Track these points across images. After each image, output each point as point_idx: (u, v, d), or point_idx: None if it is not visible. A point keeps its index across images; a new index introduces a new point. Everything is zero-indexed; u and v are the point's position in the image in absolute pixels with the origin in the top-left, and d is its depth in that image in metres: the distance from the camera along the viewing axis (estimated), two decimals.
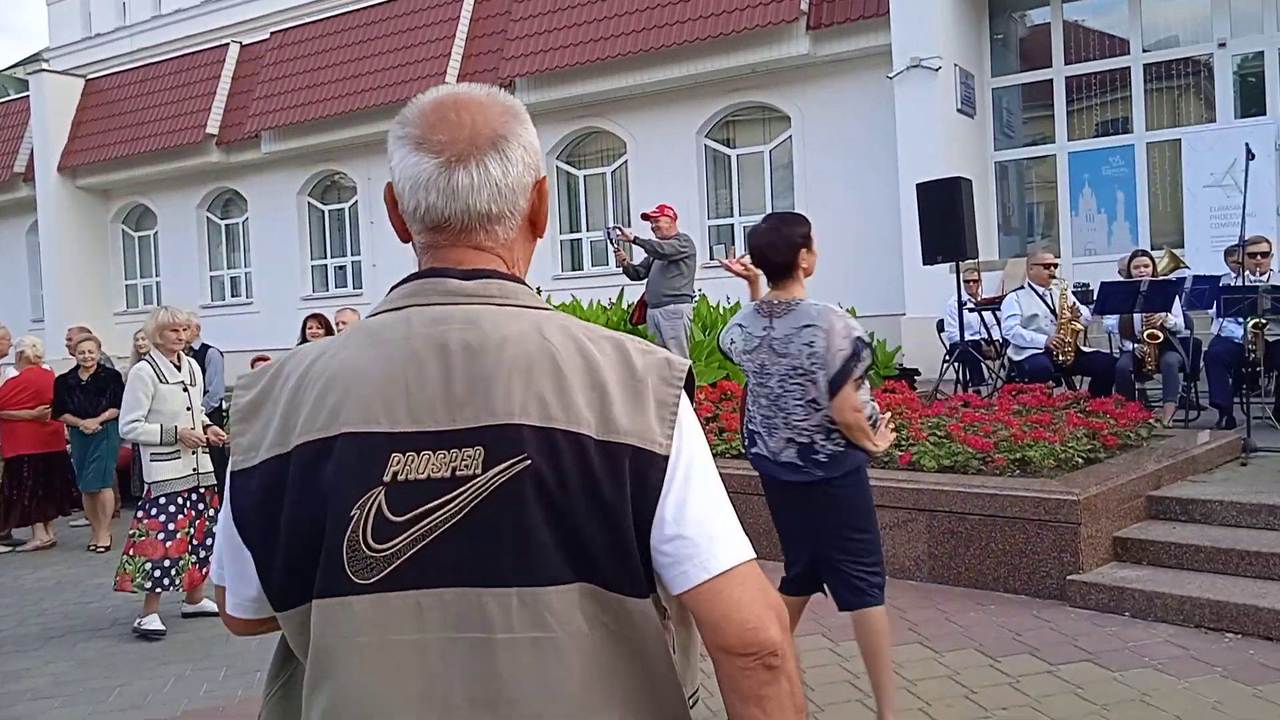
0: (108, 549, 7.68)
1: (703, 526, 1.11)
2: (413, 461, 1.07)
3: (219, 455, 5.59)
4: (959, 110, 11.36)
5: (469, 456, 1.07)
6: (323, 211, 17.21)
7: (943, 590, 5.36)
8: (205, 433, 5.59)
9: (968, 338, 8.45)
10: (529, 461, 1.06)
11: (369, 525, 1.07)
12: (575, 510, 1.07)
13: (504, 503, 1.07)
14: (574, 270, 14.57)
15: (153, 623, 5.45)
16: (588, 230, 14.63)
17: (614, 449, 1.08)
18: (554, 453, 1.07)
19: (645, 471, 1.09)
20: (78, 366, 7.96)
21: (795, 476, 3.49)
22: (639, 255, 8.23)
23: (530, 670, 1.06)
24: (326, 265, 16.90)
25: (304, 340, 7.75)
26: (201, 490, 5.60)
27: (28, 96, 19.68)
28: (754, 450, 3.67)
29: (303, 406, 1.12)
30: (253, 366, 8.20)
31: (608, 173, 14.58)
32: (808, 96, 12.62)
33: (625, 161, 14.19)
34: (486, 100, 1.19)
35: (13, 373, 8.25)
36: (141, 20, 24.81)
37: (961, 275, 8.45)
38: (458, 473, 1.07)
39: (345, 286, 16.66)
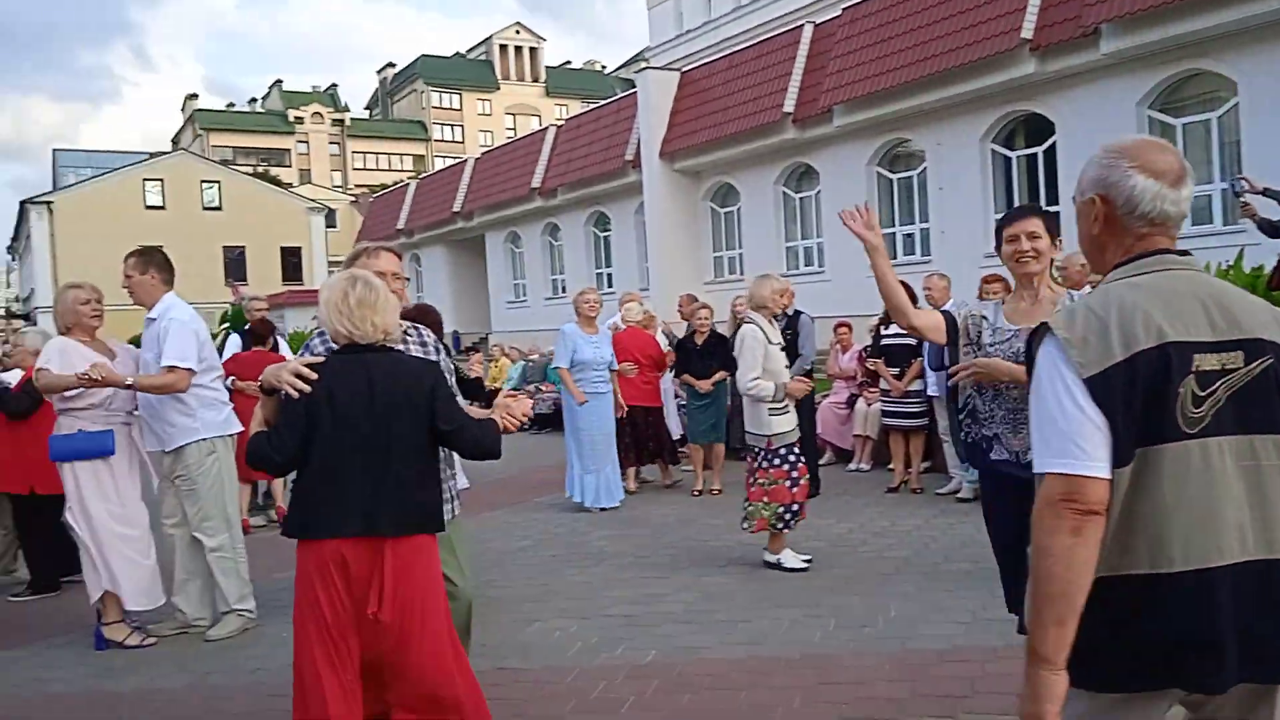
0: (720, 492, 8.68)
1: None
2: (1206, 359, 1.82)
3: None
4: None
5: (1233, 357, 1.83)
6: (891, 180, 17.49)
7: None
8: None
9: None
10: (1271, 360, 1.85)
11: (1188, 397, 1.80)
12: None
13: (1258, 384, 1.84)
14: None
15: (791, 560, 6.14)
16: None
17: None
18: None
19: None
20: (693, 331, 9.02)
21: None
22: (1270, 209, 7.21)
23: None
24: (895, 233, 17.17)
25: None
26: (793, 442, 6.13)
27: (631, 94, 22.50)
28: (991, 458, 3.58)
29: (1134, 329, 1.81)
30: (835, 333, 8.62)
31: (1212, 119, 12.98)
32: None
33: (1235, 105, 12.52)
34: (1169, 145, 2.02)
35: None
36: (725, 13, 26.97)
37: None
38: (1227, 366, 1.83)
39: (914, 254, 16.81)
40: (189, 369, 5.17)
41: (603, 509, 8.43)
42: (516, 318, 27.81)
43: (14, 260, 56.25)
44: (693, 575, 6.23)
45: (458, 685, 3.21)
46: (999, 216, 5.27)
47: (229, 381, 6.67)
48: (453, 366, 3.99)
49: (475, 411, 3.73)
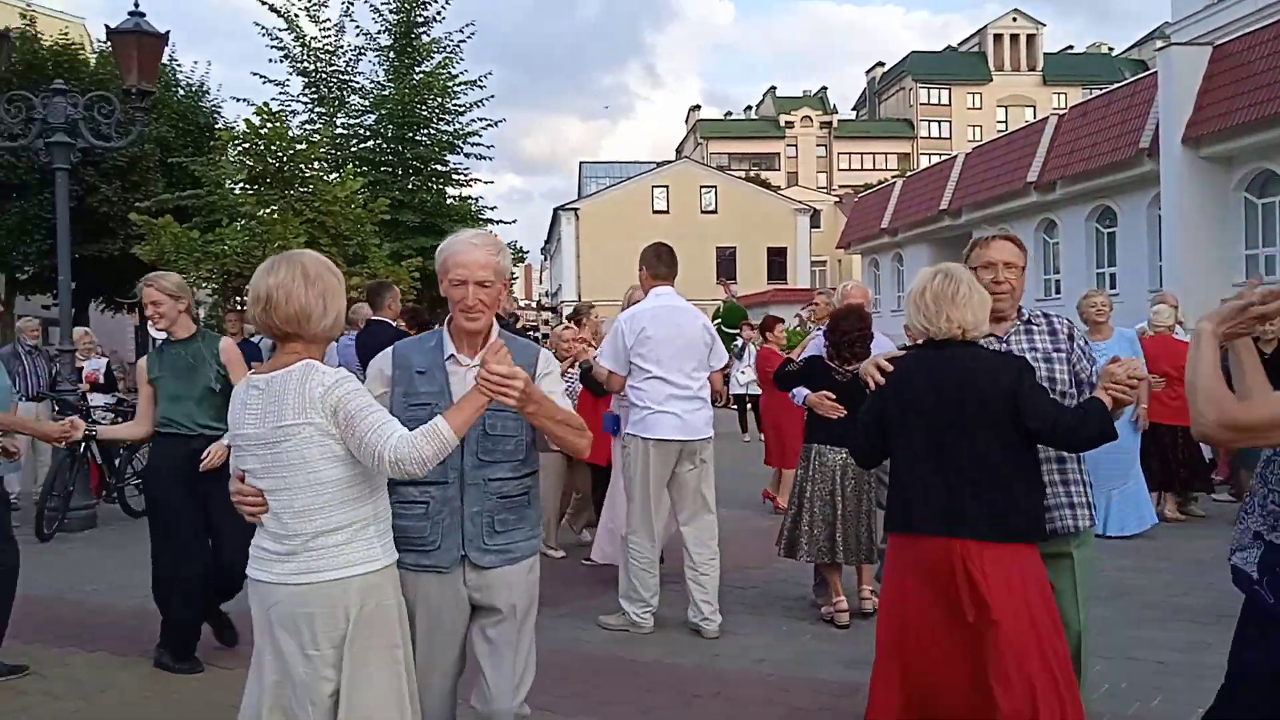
0: None
1: None
2: None
3: None
4: None
5: None
6: None
7: None
8: None
9: None
10: None
11: None
12: None
13: None
14: None
15: None
16: None
17: None
18: None
19: None
20: (1256, 340, 7.84)
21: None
22: None
23: None
24: None
25: None
26: None
27: (1148, 76, 20.29)
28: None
29: None
30: None
31: None
32: None
33: None
34: None
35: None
36: None
37: None
38: None
39: None
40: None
41: (1125, 536, 7.64)
42: None
43: (546, 260, 64.65)
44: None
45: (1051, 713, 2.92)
46: None
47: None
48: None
49: None
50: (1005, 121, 72.34)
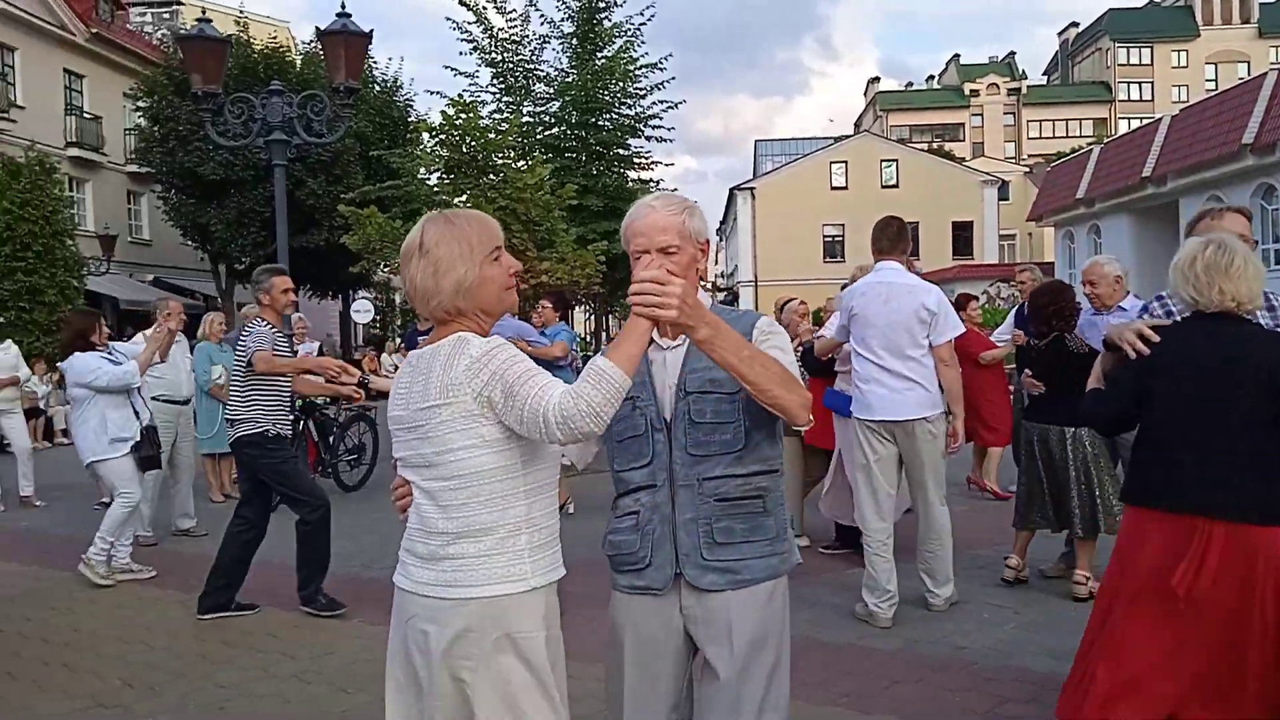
0: None
1: None
2: None
3: None
4: None
5: None
6: None
7: None
8: None
9: None
10: None
11: None
12: None
13: None
14: None
15: None
16: None
17: None
18: None
19: None
20: None
21: None
22: None
23: None
24: None
25: None
26: None
27: None
28: None
29: None
30: None
31: None
32: None
33: None
34: None
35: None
36: None
37: None
38: None
39: None
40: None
41: None
42: None
43: (721, 241, 64.67)
44: None
45: None
46: None
47: None
48: None
49: None
50: (1215, 80, 67.42)
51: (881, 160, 48.05)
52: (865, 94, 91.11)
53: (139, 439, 6.72)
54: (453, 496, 2.17)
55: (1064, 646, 4.63)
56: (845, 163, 47.86)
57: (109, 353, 6.92)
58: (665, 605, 2.40)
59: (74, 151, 29.36)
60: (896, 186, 46.92)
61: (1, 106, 26.60)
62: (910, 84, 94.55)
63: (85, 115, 30.80)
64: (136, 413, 6.81)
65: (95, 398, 6.64)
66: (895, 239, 5.51)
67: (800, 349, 6.89)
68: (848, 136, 55.31)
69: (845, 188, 46.89)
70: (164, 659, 5.10)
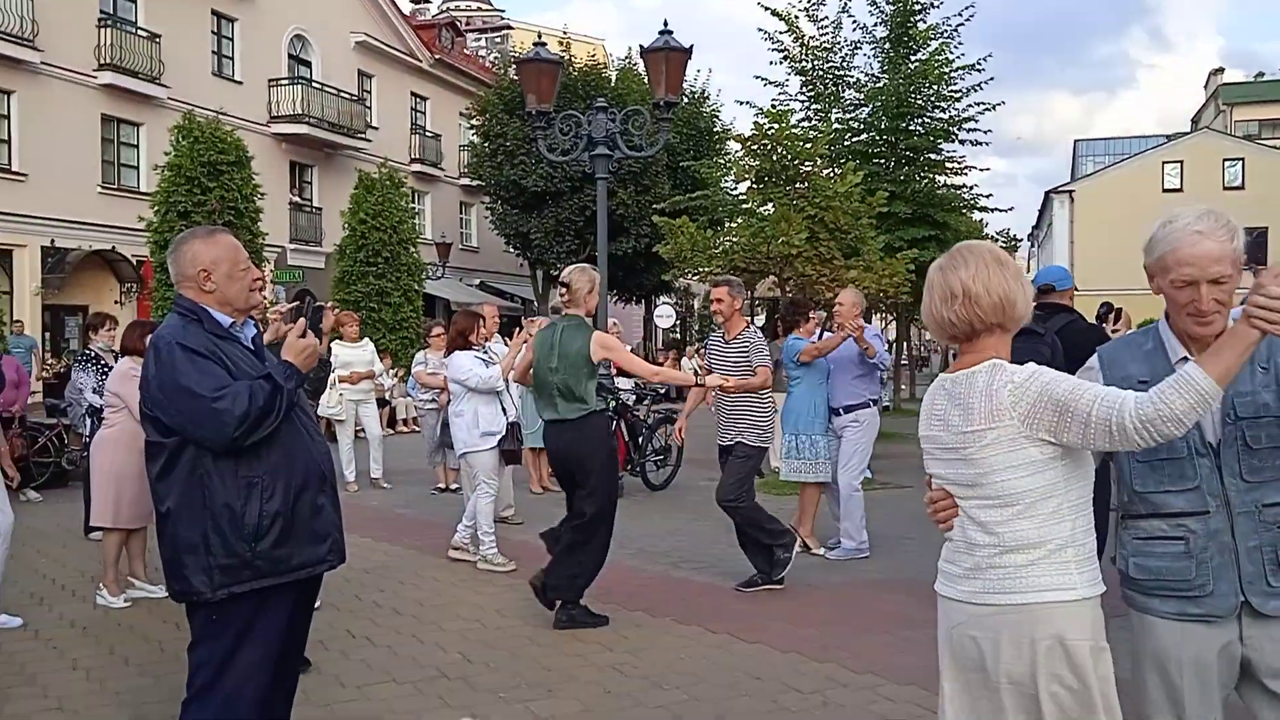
0: None
1: None
2: None
3: None
4: None
5: None
6: None
7: None
8: None
9: None
10: None
11: None
12: None
13: None
14: None
15: None
16: None
17: None
18: None
19: None
20: None
21: None
22: None
23: None
24: None
25: None
26: None
27: None
28: None
29: None
30: None
31: None
32: None
33: None
34: None
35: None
36: None
37: None
38: None
39: None
40: None
41: None
42: None
43: (1034, 247, 61.02)
44: None
45: None
46: None
47: None
48: None
49: None
50: None
51: (1225, 159, 43.42)
52: (1205, 86, 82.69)
53: (504, 434, 7.37)
54: (998, 514, 2.26)
55: None
56: (1180, 162, 43.68)
57: (484, 351, 7.70)
58: (1223, 633, 2.40)
59: (417, 167, 32.60)
60: (1242, 188, 42.20)
61: (359, 128, 29.87)
62: (1261, 74, 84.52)
63: (427, 134, 34.14)
64: (504, 409, 7.47)
65: (469, 394, 7.35)
66: None
67: None
68: (1185, 134, 50.42)
69: (1180, 189, 42.76)
70: (497, 638, 5.52)
